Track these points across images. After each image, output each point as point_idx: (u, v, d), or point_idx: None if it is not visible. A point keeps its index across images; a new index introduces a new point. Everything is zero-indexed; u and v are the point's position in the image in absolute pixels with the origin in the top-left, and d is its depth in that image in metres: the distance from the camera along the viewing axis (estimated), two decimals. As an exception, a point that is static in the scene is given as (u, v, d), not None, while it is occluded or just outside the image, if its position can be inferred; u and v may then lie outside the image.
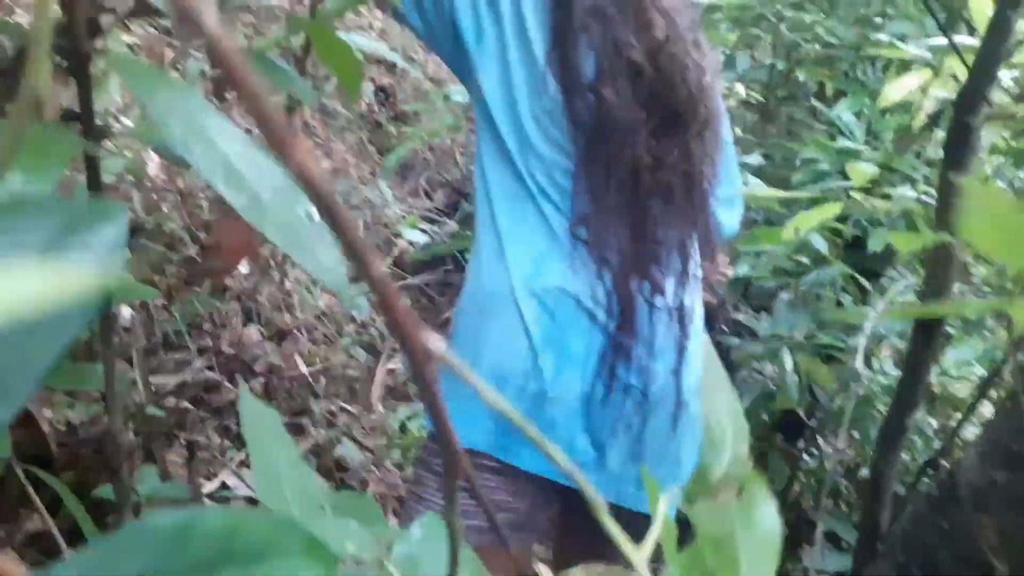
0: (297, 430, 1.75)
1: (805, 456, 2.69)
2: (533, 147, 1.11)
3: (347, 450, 1.83)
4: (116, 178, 1.40)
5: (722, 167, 1.26)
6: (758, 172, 2.23)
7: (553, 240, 1.10)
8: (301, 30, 0.69)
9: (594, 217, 1.09)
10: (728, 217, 1.33)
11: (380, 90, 4.99)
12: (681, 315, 1.15)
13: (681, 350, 1.15)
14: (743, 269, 2.38)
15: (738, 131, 2.33)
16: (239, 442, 1.65)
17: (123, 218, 0.22)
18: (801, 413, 2.43)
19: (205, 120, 0.47)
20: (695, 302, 1.20)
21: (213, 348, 1.75)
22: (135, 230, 1.54)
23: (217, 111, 0.49)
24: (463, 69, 1.18)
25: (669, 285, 1.15)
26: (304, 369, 1.64)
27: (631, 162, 1.09)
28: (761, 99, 2.20)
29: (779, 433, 2.70)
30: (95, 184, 0.49)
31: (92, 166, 0.49)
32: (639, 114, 1.08)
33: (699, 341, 1.19)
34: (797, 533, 2.44)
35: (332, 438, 1.81)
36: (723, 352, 2.89)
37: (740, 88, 1.95)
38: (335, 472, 1.79)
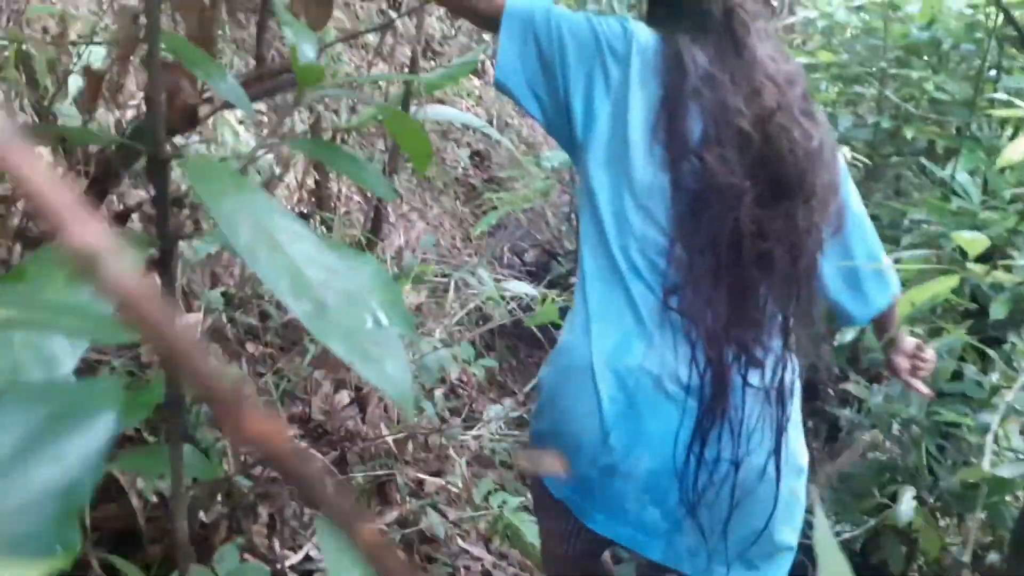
0: (383, 499, 1.73)
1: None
2: (630, 225, 1.11)
3: (433, 521, 1.80)
4: (209, 254, 1.45)
5: (858, 241, 1.25)
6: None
7: (639, 322, 1.11)
8: (384, 113, 0.68)
9: (690, 288, 1.09)
10: (880, 294, 1.29)
11: (475, 155, 5.11)
12: (780, 393, 1.13)
13: (780, 430, 1.13)
14: (850, 335, 2.25)
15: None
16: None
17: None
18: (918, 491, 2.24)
19: (273, 223, 0.46)
20: (795, 379, 1.17)
21: (304, 415, 1.77)
22: (228, 301, 1.58)
23: (287, 212, 0.48)
24: (572, 150, 1.21)
25: (769, 361, 1.12)
26: (389, 438, 1.62)
27: (733, 230, 1.07)
28: (865, 159, 2.10)
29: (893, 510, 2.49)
30: (169, 281, 0.49)
31: (165, 262, 0.48)
32: (743, 182, 1.07)
33: (795, 414, 1.17)
34: (916, 624, 2.23)
35: (418, 508, 1.78)
36: (830, 422, 2.72)
37: (845, 150, 1.86)
38: (417, 544, 1.76)
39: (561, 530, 1.23)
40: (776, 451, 1.12)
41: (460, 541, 1.92)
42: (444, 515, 1.84)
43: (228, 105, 0.97)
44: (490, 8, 1.17)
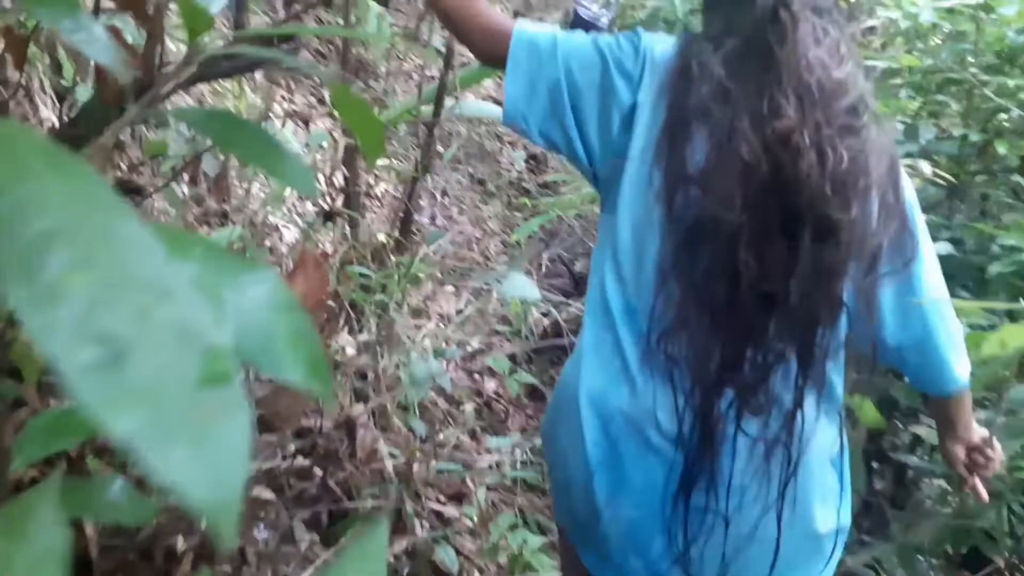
0: (396, 526, 1.59)
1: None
2: (624, 260, 1.04)
3: (446, 554, 1.65)
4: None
5: (930, 296, 1.08)
6: (945, 262, 1.88)
7: (625, 365, 1.04)
8: (336, 93, 0.54)
9: (681, 331, 1.00)
10: (962, 362, 1.12)
11: (531, 158, 4.98)
12: (788, 444, 1.02)
13: (784, 483, 1.03)
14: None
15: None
16: (331, 538, 1.51)
17: None
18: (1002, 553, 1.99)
19: (94, 221, 0.31)
20: (814, 429, 1.04)
21: (315, 428, 1.64)
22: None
23: (125, 209, 0.33)
24: (593, 182, 1.15)
25: (775, 410, 1.01)
26: (388, 464, 1.48)
27: (730, 269, 0.96)
28: (950, 176, 1.87)
29: (966, 571, 2.24)
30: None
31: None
32: (741, 216, 0.95)
33: (815, 472, 1.06)
34: None
35: (431, 539, 1.64)
36: (896, 467, 2.47)
37: (925, 166, 1.64)
38: (429, 579, 1.61)
39: (567, 548, 1.23)
40: (778, 506, 1.03)
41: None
42: (459, 549, 1.69)
43: (198, 79, 0.85)
44: (493, 47, 1.09)
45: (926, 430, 2.06)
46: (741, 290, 0.95)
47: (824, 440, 1.06)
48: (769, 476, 1.02)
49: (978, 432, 1.22)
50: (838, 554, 1.13)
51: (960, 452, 1.22)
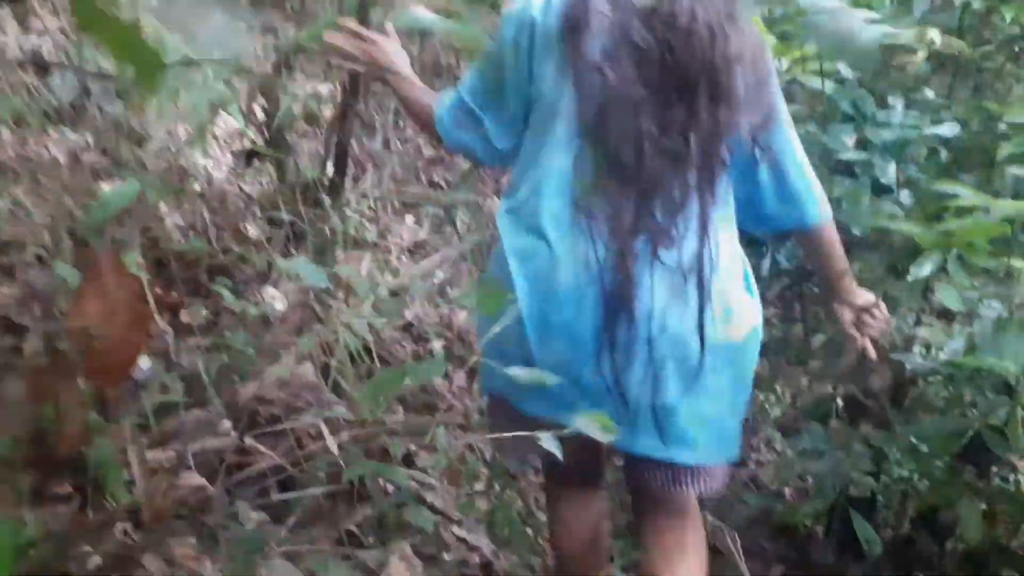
0: (349, 496, 1.43)
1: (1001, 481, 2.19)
2: (548, 129, 1.20)
3: (419, 514, 1.50)
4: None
5: (789, 157, 1.26)
6: (949, 144, 1.69)
7: (548, 222, 1.18)
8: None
9: (598, 185, 1.16)
10: (811, 205, 1.28)
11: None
12: (700, 275, 1.17)
13: (701, 308, 1.17)
14: (927, 268, 1.85)
15: (928, 92, 1.79)
16: (283, 516, 1.36)
17: None
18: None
19: None
20: (720, 260, 1.20)
21: (253, 396, 1.46)
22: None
23: None
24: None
25: (686, 242, 1.18)
26: (329, 437, 1.30)
27: (636, 136, 1.14)
28: (963, 47, 1.66)
29: (966, 464, 2.13)
30: None
31: None
32: (642, 91, 1.14)
33: (726, 288, 1.22)
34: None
35: (398, 502, 1.49)
36: (898, 371, 2.35)
37: (934, 33, 1.42)
38: (397, 540, 1.47)
39: (498, 410, 1.35)
40: (698, 328, 1.17)
41: (456, 529, 1.63)
42: (431, 506, 1.55)
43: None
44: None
45: (930, 330, 1.92)
46: (646, 151, 1.13)
47: (728, 259, 1.22)
48: (686, 297, 1.17)
49: (863, 295, 1.37)
50: (757, 347, 1.28)
51: (847, 314, 1.37)
